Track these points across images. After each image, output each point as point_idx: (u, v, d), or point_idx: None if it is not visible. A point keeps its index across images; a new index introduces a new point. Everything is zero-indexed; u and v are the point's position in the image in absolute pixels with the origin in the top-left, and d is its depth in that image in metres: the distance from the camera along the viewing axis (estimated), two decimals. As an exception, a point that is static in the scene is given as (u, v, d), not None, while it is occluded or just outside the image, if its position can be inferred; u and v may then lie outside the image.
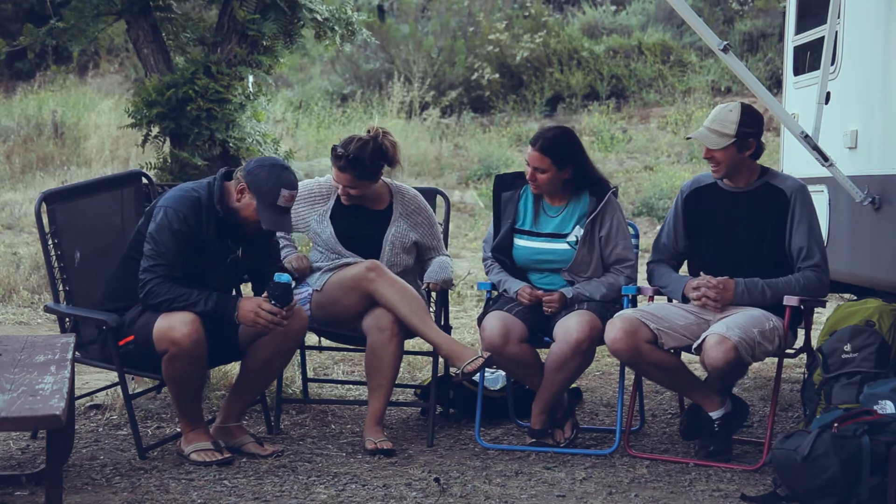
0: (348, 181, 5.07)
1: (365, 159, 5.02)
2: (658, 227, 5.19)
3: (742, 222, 4.83)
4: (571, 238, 5.02)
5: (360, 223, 5.18)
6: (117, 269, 4.79)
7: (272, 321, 4.54)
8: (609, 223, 5.02)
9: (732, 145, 4.76)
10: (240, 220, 4.66)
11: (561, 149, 4.97)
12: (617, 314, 4.79)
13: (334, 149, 5.06)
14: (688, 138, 4.90)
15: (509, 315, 4.93)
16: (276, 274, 4.59)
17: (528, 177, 5.02)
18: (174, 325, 4.47)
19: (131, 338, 4.62)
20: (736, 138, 4.75)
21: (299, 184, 5.02)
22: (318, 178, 5.31)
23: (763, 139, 4.84)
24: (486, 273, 5.20)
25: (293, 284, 4.71)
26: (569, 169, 5.00)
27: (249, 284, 5.03)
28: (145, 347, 4.57)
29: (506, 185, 5.15)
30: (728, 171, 4.83)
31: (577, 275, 5.02)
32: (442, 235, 5.39)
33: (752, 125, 4.78)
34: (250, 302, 4.57)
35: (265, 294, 4.57)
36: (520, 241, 5.08)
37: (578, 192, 5.08)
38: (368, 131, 5.09)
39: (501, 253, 5.09)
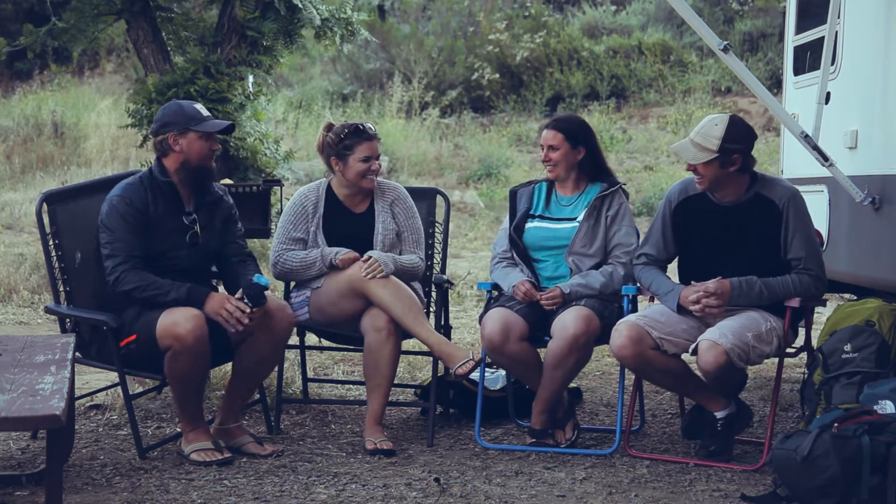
0: (378, 148, 5.18)
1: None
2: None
3: (735, 239, 4.75)
4: (581, 219, 5.07)
5: (348, 228, 5.17)
6: (101, 272, 4.80)
7: (236, 316, 4.57)
8: (617, 206, 5.11)
9: (715, 160, 4.65)
10: (198, 162, 4.75)
11: (574, 128, 5.14)
12: (621, 321, 4.77)
13: (358, 130, 5.10)
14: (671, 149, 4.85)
15: (510, 312, 4.93)
16: (256, 276, 4.67)
17: (543, 158, 5.18)
18: (178, 321, 4.48)
19: (133, 337, 4.62)
20: (718, 154, 4.63)
21: (290, 203, 5.23)
22: (300, 192, 5.25)
23: (753, 153, 4.71)
24: (490, 273, 5.22)
25: (270, 290, 4.74)
26: (581, 150, 5.11)
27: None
28: (148, 346, 4.57)
29: (521, 186, 5.34)
30: (712, 185, 4.72)
31: (580, 254, 5.03)
32: (423, 237, 5.31)
33: (737, 141, 4.65)
34: (220, 296, 4.64)
35: (240, 293, 4.63)
36: (531, 224, 5.15)
37: (590, 183, 5.17)
38: (331, 124, 5.21)
39: (515, 236, 5.13)
